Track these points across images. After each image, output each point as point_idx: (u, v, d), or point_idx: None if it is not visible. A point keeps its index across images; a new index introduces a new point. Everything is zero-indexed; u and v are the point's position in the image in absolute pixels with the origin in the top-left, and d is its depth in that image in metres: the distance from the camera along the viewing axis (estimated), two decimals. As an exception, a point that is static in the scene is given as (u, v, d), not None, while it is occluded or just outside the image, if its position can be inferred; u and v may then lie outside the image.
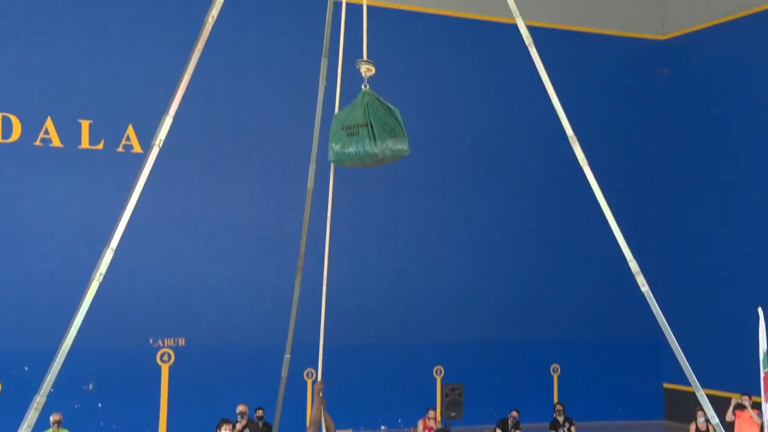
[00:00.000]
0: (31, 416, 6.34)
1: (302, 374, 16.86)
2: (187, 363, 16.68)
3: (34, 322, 15.38)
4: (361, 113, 7.19)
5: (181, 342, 16.71)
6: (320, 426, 7.97)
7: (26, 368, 15.43)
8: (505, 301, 19.21)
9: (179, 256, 16.89)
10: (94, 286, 6.57)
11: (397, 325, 18.54)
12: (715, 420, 7.53)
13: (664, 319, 7.46)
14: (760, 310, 11.77)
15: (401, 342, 18.53)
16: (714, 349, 18.17)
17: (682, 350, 7.45)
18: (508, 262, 19.14)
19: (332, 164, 7.92)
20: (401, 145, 7.28)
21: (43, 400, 6.41)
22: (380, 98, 7.38)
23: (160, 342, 16.55)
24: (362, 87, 7.56)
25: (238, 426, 10.86)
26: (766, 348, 11.82)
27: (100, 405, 16.00)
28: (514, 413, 14.39)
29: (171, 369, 16.57)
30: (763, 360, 11.79)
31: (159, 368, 16.53)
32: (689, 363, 7.47)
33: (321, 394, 8.09)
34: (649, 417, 20.25)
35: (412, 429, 15.12)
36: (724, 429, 8.26)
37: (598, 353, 19.94)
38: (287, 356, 9.61)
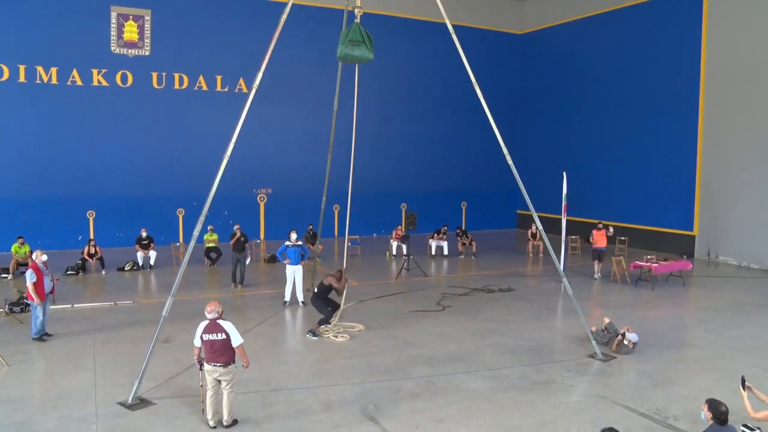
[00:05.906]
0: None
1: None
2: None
3: None
4: (350, 35, 9.63)
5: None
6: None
7: None
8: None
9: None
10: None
11: (380, 180, 23.70)
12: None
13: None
14: (564, 174, 13.69)
15: (381, 191, 24.04)
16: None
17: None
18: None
19: None
20: (365, 54, 9.64)
21: None
22: (361, 27, 9.62)
23: None
24: (355, 20, 9.73)
25: None
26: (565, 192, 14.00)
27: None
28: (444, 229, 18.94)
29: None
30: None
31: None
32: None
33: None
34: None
35: (389, 235, 20.92)
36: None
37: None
38: None
